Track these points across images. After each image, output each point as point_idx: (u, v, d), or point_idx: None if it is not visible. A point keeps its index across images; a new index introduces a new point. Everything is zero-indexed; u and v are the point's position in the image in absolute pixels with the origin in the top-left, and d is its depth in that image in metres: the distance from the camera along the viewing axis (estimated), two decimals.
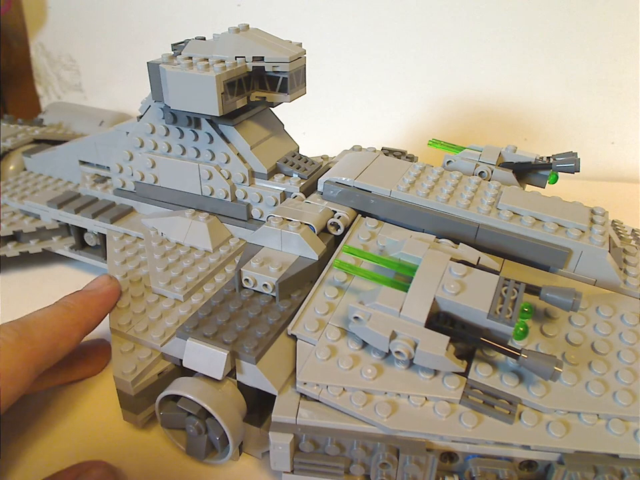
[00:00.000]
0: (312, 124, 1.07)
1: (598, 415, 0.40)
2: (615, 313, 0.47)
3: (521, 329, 0.41)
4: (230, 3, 1.11)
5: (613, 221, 0.62)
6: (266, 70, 0.59)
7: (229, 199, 0.63)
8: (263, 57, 0.58)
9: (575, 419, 0.40)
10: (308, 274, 0.51)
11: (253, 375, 0.43)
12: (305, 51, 0.62)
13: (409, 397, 0.41)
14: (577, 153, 0.61)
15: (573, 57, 1.01)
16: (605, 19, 0.97)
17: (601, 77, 1.02)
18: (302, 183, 0.61)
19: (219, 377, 0.43)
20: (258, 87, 0.61)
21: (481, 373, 0.42)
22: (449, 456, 0.40)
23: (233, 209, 0.63)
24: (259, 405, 0.47)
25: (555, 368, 0.38)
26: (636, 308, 0.48)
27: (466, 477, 0.40)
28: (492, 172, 0.62)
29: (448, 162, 0.66)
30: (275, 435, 0.40)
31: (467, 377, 0.41)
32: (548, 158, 0.62)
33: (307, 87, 0.64)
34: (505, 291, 0.43)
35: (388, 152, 0.75)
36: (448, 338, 0.40)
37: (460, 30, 1.03)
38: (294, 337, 0.46)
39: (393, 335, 0.41)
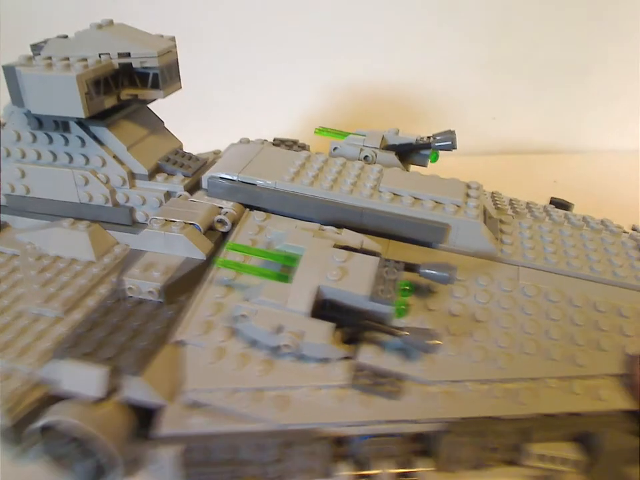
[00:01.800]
0: (202, 119, 1.04)
1: (480, 380, 0.42)
2: (493, 281, 0.49)
3: (402, 307, 0.42)
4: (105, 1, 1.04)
5: (492, 192, 0.66)
6: (134, 66, 0.56)
7: (109, 204, 0.59)
8: (129, 53, 0.55)
9: (458, 388, 0.41)
10: (196, 275, 0.49)
11: (138, 389, 0.41)
12: (175, 44, 0.59)
13: (300, 388, 0.41)
14: (454, 130, 0.63)
15: (451, 39, 1.05)
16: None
17: (480, 56, 1.07)
18: (186, 181, 0.59)
19: (100, 396, 0.41)
20: (128, 84, 0.58)
21: (368, 355, 0.42)
22: (342, 441, 0.41)
23: (115, 215, 0.60)
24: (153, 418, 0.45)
25: (432, 341, 0.39)
26: (512, 274, 0.50)
27: (360, 459, 0.40)
28: (376, 155, 0.63)
29: (334, 149, 0.66)
30: (163, 449, 0.38)
31: (355, 361, 0.42)
32: (428, 137, 0.64)
33: (181, 81, 0.61)
34: (386, 272, 0.43)
35: (279, 142, 0.74)
36: (332, 325, 0.40)
37: (345, 17, 1.04)
38: (182, 343, 0.44)
39: (279, 329, 0.41)
